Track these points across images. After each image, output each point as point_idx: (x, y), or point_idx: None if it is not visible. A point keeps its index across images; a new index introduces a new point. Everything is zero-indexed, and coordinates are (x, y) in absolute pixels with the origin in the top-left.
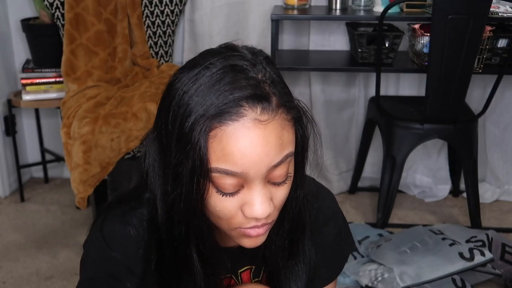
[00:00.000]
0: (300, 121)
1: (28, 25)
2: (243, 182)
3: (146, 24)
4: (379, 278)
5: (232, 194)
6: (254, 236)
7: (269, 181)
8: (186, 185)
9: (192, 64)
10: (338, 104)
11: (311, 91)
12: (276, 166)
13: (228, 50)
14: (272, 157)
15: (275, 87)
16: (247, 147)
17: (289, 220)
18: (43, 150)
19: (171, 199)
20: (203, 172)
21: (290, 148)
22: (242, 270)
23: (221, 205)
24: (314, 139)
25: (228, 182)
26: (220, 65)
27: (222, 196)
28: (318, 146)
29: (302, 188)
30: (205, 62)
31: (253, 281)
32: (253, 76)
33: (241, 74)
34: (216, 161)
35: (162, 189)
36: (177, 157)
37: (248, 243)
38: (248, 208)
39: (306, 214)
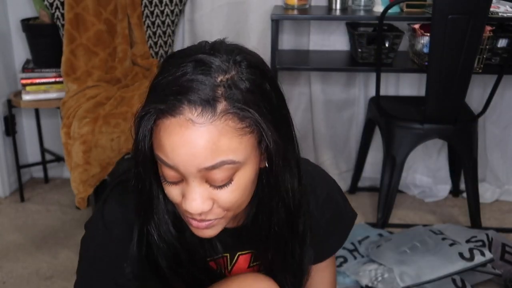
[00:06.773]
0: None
1: (28, 25)
2: (181, 175)
3: (146, 24)
4: (379, 278)
5: (175, 183)
6: (196, 228)
7: (207, 181)
8: (140, 165)
9: (178, 55)
10: (338, 104)
11: (311, 91)
12: (209, 169)
13: (209, 47)
14: (202, 159)
15: (233, 92)
16: (176, 143)
17: (289, 211)
18: (43, 150)
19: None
20: (147, 156)
21: (229, 156)
22: (243, 253)
23: (168, 190)
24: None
25: (168, 172)
26: (190, 62)
27: (166, 183)
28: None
29: (301, 182)
30: (182, 60)
31: (252, 264)
32: (213, 77)
33: (202, 74)
34: (156, 150)
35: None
36: (135, 139)
37: (196, 232)
38: (183, 201)
39: (307, 201)
